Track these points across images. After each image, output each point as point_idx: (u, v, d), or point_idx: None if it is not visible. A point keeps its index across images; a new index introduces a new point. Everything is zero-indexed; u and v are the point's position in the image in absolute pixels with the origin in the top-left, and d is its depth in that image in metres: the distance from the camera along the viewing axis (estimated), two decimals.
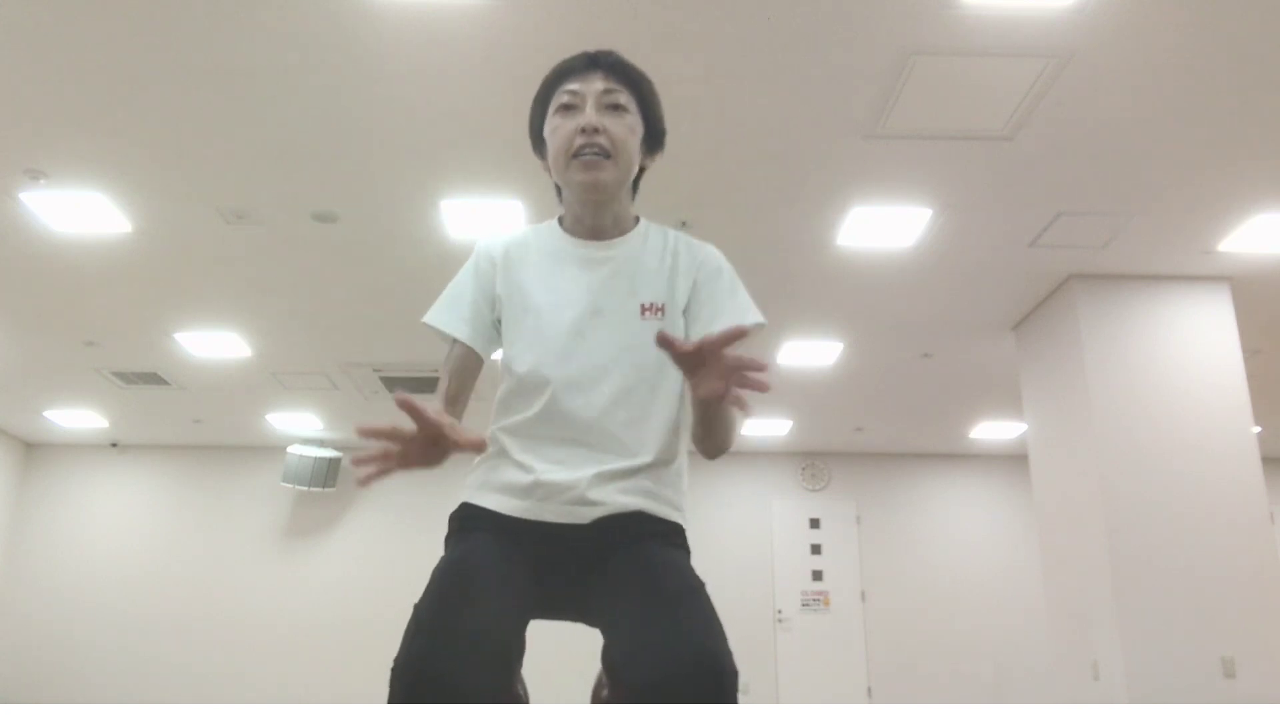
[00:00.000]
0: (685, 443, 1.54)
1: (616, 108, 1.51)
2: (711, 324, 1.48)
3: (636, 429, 1.46)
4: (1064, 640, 6.04)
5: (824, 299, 6.51)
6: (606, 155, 1.47)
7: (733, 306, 1.51)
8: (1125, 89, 4.27)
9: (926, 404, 8.88)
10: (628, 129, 1.51)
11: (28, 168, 4.93)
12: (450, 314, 1.56)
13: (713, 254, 1.58)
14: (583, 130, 1.47)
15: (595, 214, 1.54)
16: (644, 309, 1.50)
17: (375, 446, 1.21)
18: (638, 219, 1.60)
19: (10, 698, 9.67)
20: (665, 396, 1.49)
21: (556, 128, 1.51)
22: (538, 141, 1.59)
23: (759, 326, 1.51)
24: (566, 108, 1.51)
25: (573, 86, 1.52)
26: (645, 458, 1.46)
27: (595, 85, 1.51)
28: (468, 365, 1.54)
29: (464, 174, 5.00)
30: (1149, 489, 5.65)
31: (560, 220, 1.60)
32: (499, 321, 1.55)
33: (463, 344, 1.53)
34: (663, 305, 1.51)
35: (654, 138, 1.58)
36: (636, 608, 1.26)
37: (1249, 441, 5.77)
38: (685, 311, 1.53)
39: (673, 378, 1.48)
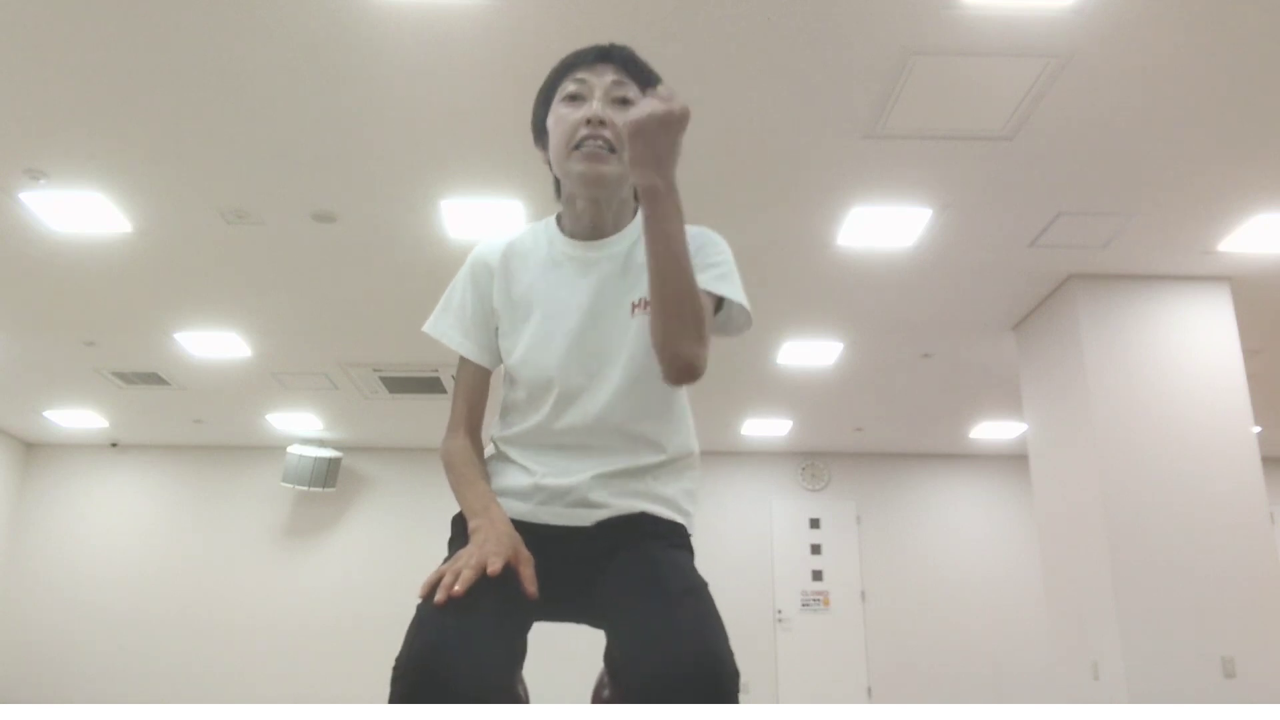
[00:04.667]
0: (695, 438, 1.55)
1: (625, 101, 1.44)
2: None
3: (638, 424, 1.46)
4: (1064, 640, 6.04)
5: (824, 299, 6.51)
6: (611, 149, 1.42)
7: (714, 274, 1.44)
8: (1125, 89, 4.27)
9: (926, 404, 8.88)
10: None
11: (28, 168, 4.93)
12: (454, 328, 1.54)
13: (704, 231, 1.51)
14: (588, 121, 1.42)
15: (595, 210, 1.48)
16: (634, 305, 1.47)
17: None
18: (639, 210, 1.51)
19: (10, 698, 9.67)
20: (660, 399, 1.48)
21: (561, 118, 1.45)
22: (539, 133, 1.53)
23: (743, 312, 1.45)
24: (573, 97, 1.45)
25: (581, 75, 1.46)
26: (649, 456, 1.47)
27: (605, 77, 1.45)
28: (479, 385, 1.55)
29: (464, 174, 5.00)
30: (1149, 489, 5.65)
31: (559, 219, 1.56)
32: (498, 331, 1.54)
33: (471, 362, 1.53)
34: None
35: None
36: (638, 608, 1.26)
37: (1249, 441, 5.77)
38: None
39: None
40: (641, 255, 1.46)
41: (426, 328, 1.56)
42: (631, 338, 1.46)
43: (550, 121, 1.48)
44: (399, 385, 8.40)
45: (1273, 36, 3.92)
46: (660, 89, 1.30)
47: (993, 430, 9.71)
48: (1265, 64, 4.08)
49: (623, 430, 1.46)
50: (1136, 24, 3.85)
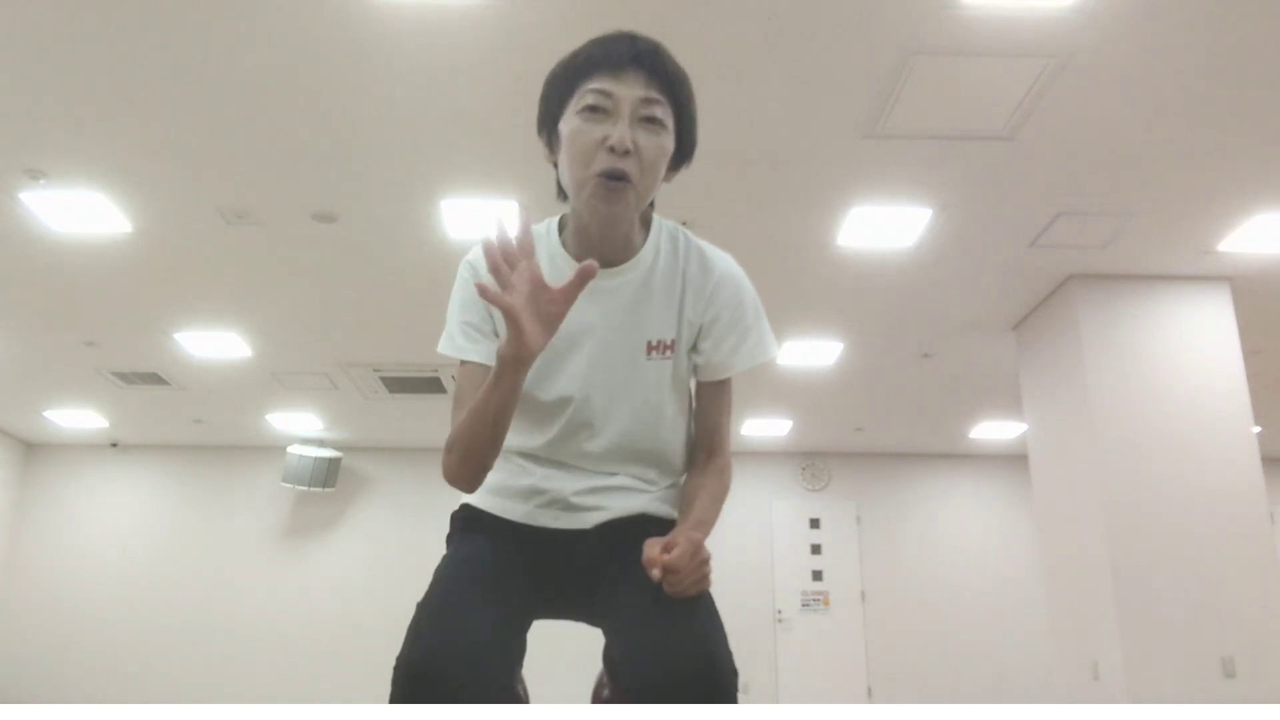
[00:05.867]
0: (689, 449, 1.54)
1: (652, 121, 1.31)
2: (731, 359, 1.45)
3: (640, 463, 1.45)
4: (1064, 640, 6.04)
5: (824, 299, 6.51)
6: (631, 181, 1.30)
7: (751, 342, 1.46)
8: (1125, 89, 4.27)
9: (926, 404, 8.88)
10: (660, 151, 1.33)
11: (28, 168, 4.93)
12: (466, 339, 1.41)
13: (730, 276, 1.45)
14: (611, 148, 1.28)
15: (604, 234, 1.38)
16: (650, 347, 1.41)
17: None
18: (649, 224, 1.45)
19: (10, 698, 9.67)
20: (670, 431, 1.47)
21: (579, 131, 1.30)
22: (546, 125, 1.39)
23: (771, 360, 1.48)
24: (594, 109, 1.30)
25: (606, 86, 1.30)
26: (653, 482, 1.47)
27: (634, 91, 1.30)
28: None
29: (464, 174, 5.00)
30: (1149, 489, 5.65)
31: (560, 224, 1.46)
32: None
33: (478, 367, 1.39)
34: (671, 342, 1.42)
35: (684, 152, 1.40)
36: (637, 607, 1.26)
37: (1249, 441, 5.77)
38: (699, 337, 1.44)
39: (677, 411, 1.48)
40: (658, 286, 1.42)
41: (441, 349, 1.46)
42: (645, 381, 1.42)
43: (565, 130, 1.33)
44: (399, 385, 8.40)
45: (1273, 36, 3.92)
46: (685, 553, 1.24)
47: (993, 430, 9.71)
48: (1265, 64, 4.08)
49: (627, 462, 1.45)
50: (1136, 24, 3.85)
